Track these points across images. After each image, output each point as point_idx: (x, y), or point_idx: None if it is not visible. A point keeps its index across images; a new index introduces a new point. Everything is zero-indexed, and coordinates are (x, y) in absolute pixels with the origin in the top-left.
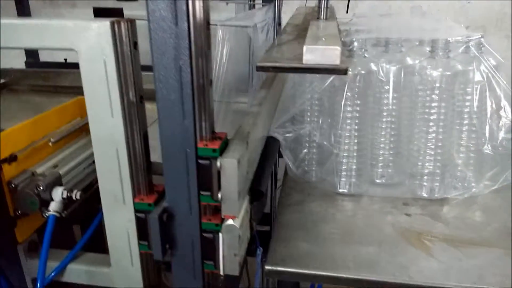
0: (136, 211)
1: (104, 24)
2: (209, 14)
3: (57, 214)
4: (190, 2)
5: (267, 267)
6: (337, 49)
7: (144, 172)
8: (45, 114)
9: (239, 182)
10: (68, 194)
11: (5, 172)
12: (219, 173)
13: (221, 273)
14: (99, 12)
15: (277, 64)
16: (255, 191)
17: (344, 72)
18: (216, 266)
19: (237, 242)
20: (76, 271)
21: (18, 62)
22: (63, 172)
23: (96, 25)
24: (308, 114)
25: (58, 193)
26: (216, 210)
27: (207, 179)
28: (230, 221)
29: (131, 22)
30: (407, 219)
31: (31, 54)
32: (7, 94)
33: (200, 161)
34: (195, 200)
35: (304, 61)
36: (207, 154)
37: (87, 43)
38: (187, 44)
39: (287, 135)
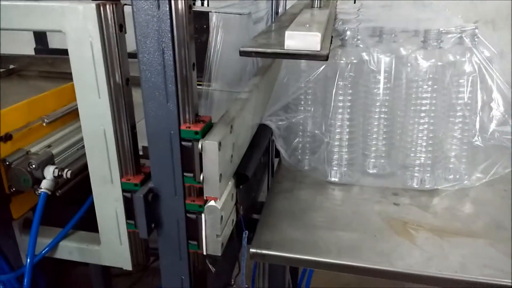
0: (123, 191)
1: (90, 7)
2: None
3: (49, 192)
4: None
5: (252, 250)
6: (317, 35)
7: (130, 153)
8: (41, 96)
9: (220, 164)
10: (60, 173)
11: (1, 151)
12: (200, 155)
13: (204, 253)
14: None
15: (259, 49)
16: (241, 175)
17: (325, 58)
18: (200, 246)
19: (219, 223)
20: (67, 248)
21: (28, 49)
22: (56, 152)
23: (81, 7)
24: (302, 103)
25: (50, 172)
26: (201, 192)
27: (189, 160)
28: (212, 203)
29: (117, 5)
30: (395, 209)
31: (41, 41)
32: (15, 79)
33: (183, 143)
34: (180, 181)
35: (285, 47)
36: (190, 136)
37: (74, 25)
38: (169, 27)
39: (280, 123)
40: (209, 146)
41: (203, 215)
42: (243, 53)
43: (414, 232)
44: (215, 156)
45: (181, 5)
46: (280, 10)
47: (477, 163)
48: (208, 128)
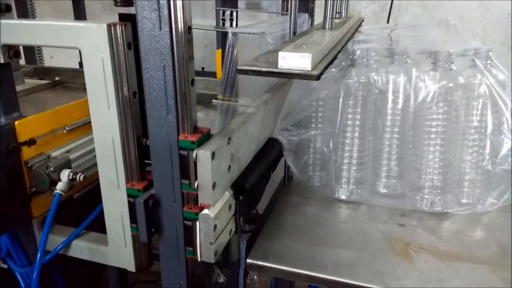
0: (128, 195)
1: (102, 26)
2: (190, 20)
3: (63, 193)
4: (172, 10)
5: (249, 261)
6: (308, 56)
7: (136, 160)
8: (66, 106)
9: (214, 173)
10: (74, 176)
11: (24, 154)
12: (195, 163)
13: (199, 259)
14: (123, 17)
15: (255, 68)
16: (239, 186)
17: (316, 78)
18: (194, 252)
19: (212, 231)
20: (79, 247)
21: (75, 62)
22: (73, 157)
23: (95, 26)
24: (313, 120)
25: (65, 175)
26: (198, 200)
27: (186, 168)
28: (205, 211)
29: (126, 26)
30: (400, 229)
31: None
32: (60, 90)
33: (180, 151)
34: (178, 189)
35: (279, 66)
36: (186, 146)
37: (88, 42)
38: (169, 46)
39: (291, 138)
40: (202, 156)
41: (197, 222)
42: (240, 71)
43: (414, 254)
44: (208, 165)
45: (181, 26)
46: (305, 27)
47: (491, 187)
48: (205, 139)
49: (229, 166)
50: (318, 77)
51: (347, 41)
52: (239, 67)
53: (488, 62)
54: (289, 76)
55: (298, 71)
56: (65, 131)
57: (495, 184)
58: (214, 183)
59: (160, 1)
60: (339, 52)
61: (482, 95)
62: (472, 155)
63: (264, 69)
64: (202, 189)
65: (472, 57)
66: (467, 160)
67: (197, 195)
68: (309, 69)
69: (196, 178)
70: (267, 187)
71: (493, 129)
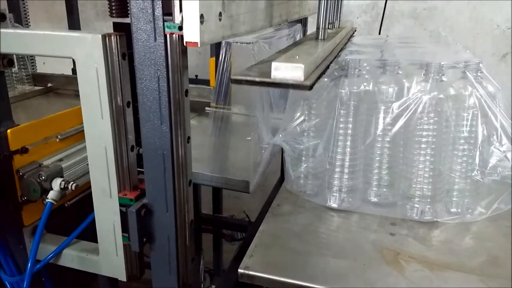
0: (120, 205)
1: (97, 37)
2: None
3: (54, 202)
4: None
5: (240, 271)
6: (301, 66)
7: (128, 170)
8: (59, 114)
9: None
10: (65, 185)
11: (16, 162)
12: None
13: None
14: (118, 26)
15: (248, 78)
16: None
17: (308, 88)
18: None
19: None
20: (70, 256)
21: (68, 68)
22: (65, 166)
23: (90, 37)
24: (312, 129)
25: (57, 184)
26: None
27: None
28: None
29: (120, 36)
30: (390, 239)
31: None
32: (52, 97)
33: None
34: (171, 199)
35: (272, 77)
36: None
37: (83, 52)
38: (164, 57)
39: (297, 146)
40: None
41: None
42: (234, 81)
43: (404, 263)
44: None
45: (175, 37)
46: (298, 37)
47: (480, 197)
48: None
49: None
50: (310, 87)
51: (339, 51)
52: (233, 77)
53: (479, 74)
54: (282, 86)
55: (291, 82)
56: (57, 140)
57: (484, 194)
58: None
59: (155, 13)
60: (331, 63)
61: (472, 106)
62: (461, 165)
63: (257, 79)
64: None
65: (463, 69)
66: (456, 170)
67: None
68: (302, 79)
69: None
70: (260, 194)
71: (482, 140)
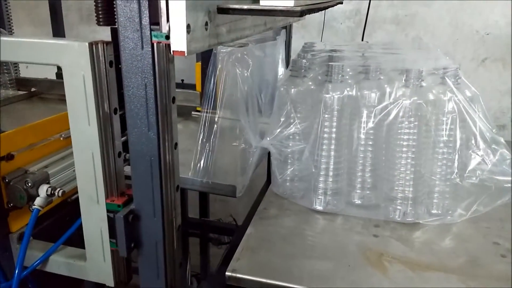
0: (107, 211)
1: (84, 45)
2: None
3: (41, 208)
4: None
5: (227, 273)
6: None
7: (116, 176)
8: (45, 120)
9: None
10: (52, 192)
11: (2, 169)
12: None
13: None
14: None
15: (236, 6)
16: None
17: (299, 14)
18: None
19: None
20: (57, 263)
21: (51, 73)
22: (51, 172)
23: (76, 44)
24: (298, 132)
25: (44, 190)
26: None
27: None
28: None
29: (107, 44)
30: (374, 240)
31: None
32: (36, 102)
33: None
34: (159, 204)
35: (261, 3)
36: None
37: (69, 59)
38: (151, 65)
39: (284, 149)
40: None
41: None
42: (220, 11)
43: (387, 264)
44: None
45: (162, 46)
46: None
47: (460, 199)
48: None
49: None
50: (301, 13)
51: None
52: (219, 6)
53: (457, 79)
54: (272, 13)
55: (280, 7)
56: (44, 146)
57: (464, 196)
58: None
59: (142, 22)
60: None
61: (451, 111)
62: (441, 167)
63: (245, 7)
64: None
65: (442, 75)
66: (437, 172)
67: None
68: (292, 4)
69: None
70: (247, 197)
71: (461, 143)
